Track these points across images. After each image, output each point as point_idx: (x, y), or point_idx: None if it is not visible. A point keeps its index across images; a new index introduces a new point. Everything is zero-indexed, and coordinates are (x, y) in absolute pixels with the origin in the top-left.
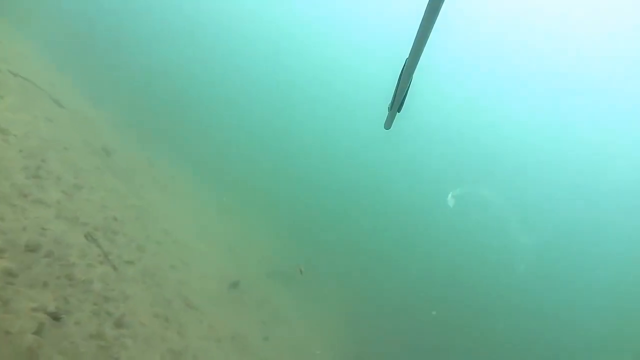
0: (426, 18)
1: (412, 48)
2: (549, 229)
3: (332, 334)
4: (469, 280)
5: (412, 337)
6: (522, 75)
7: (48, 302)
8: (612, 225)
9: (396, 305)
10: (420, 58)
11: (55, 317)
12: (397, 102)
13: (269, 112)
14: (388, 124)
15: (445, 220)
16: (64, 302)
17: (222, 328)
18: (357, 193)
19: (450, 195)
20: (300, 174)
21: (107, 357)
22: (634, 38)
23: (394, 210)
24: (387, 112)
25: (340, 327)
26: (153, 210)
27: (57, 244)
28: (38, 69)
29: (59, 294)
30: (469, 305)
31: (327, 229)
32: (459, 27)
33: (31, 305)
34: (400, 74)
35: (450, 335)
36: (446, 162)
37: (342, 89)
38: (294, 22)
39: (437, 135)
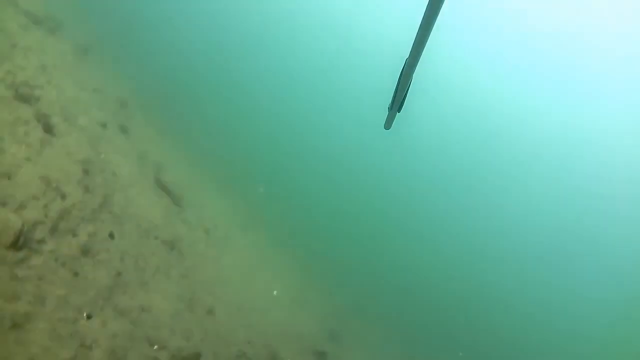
0: (426, 18)
1: (412, 48)
2: (548, 228)
3: None
4: (469, 282)
5: None
6: (522, 76)
7: None
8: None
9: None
10: (420, 58)
11: None
12: (397, 102)
13: (268, 112)
14: (388, 124)
15: (444, 218)
16: None
17: None
18: (356, 192)
19: None
20: (299, 173)
21: None
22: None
23: (393, 208)
24: (387, 112)
25: None
26: None
27: None
28: None
29: None
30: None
31: (327, 227)
32: (459, 27)
33: None
34: (400, 74)
35: None
36: (445, 162)
37: (343, 89)
38: (294, 23)
39: (437, 135)
